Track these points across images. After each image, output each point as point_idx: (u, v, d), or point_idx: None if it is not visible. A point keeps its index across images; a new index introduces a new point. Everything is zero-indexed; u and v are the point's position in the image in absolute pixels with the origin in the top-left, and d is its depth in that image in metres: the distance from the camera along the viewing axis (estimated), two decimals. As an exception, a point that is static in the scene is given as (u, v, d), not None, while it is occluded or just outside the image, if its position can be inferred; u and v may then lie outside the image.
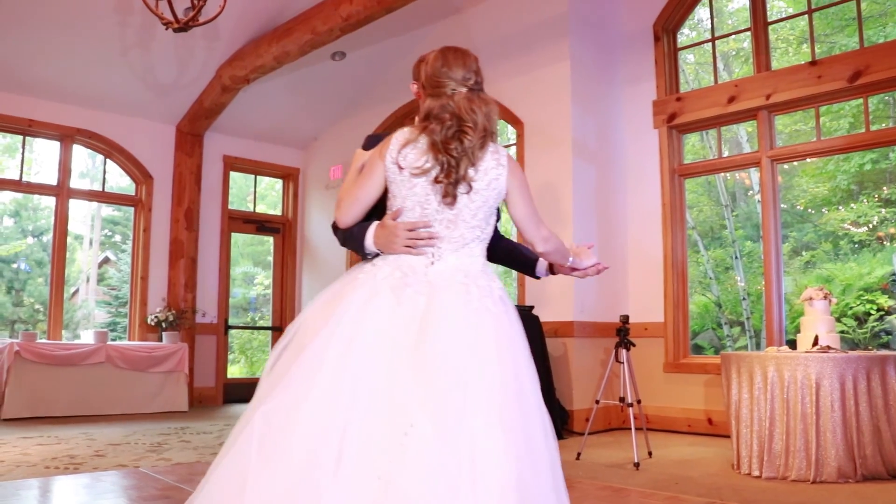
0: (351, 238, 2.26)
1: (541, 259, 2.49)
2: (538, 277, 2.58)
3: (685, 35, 7.55)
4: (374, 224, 2.18)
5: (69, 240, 8.30)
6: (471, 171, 2.07)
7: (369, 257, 2.20)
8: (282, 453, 1.80)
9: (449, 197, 2.07)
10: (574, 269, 2.45)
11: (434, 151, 2.07)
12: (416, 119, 2.22)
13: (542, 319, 6.30)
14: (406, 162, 2.10)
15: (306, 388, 1.87)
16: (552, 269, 2.51)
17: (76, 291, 13.79)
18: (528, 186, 2.22)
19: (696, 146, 9.04)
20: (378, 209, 2.22)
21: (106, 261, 14.45)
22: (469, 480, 1.75)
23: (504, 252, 2.56)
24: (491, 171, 2.10)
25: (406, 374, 1.85)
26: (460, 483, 1.74)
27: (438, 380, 1.85)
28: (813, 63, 5.99)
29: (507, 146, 7.95)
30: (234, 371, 11.45)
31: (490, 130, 2.13)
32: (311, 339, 1.97)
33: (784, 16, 8.58)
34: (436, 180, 2.07)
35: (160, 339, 8.05)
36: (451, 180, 2.06)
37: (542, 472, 1.91)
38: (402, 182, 2.12)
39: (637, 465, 4.75)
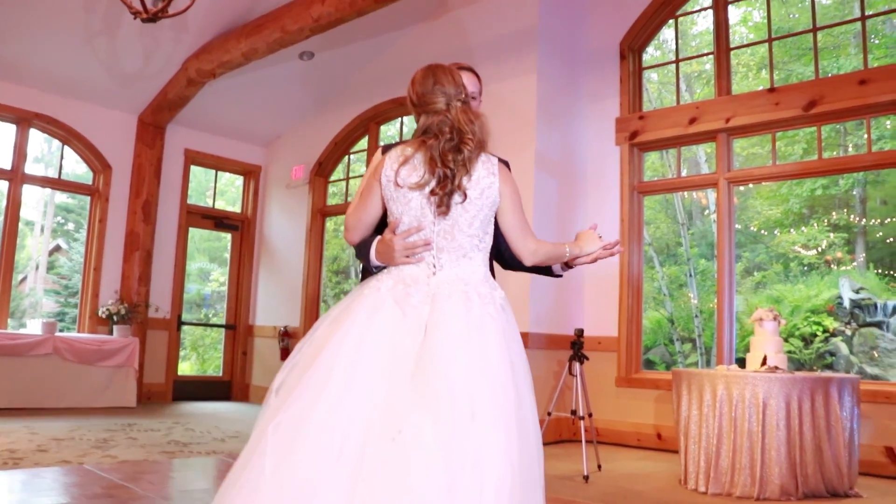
0: (359, 254, 2.34)
1: None
2: (559, 276, 2.56)
3: (650, 54, 7.69)
4: (377, 239, 2.25)
5: (19, 225, 8.08)
6: (464, 181, 2.13)
7: (375, 271, 2.26)
8: (289, 463, 1.84)
9: (443, 206, 2.12)
10: (581, 258, 2.40)
11: (431, 165, 2.13)
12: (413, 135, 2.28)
13: (498, 329, 6.32)
14: (402, 178, 2.16)
15: (313, 400, 1.92)
16: (567, 263, 2.47)
17: (24, 279, 13.46)
18: (519, 197, 2.26)
19: (655, 163, 9.20)
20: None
21: (57, 249, 14.11)
22: (463, 485, 1.78)
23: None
24: (483, 180, 2.16)
25: (405, 383, 1.90)
26: (449, 488, 1.77)
27: (439, 387, 1.89)
28: (771, 90, 6.15)
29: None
30: (185, 368, 11.28)
31: (484, 142, 2.20)
32: (319, 352, 2.01)
33: (745, 42, 8.79)
34: (432, 192, 2.13)
35: (111, 333, 7.89)
36: (445, 191, 2.12)
37: (536, 479, 1.95)
38: (398, 198, 2.18)
39: (586, 477, 4.81)
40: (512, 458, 1.85)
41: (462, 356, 1.94)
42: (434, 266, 2.15)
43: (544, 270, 2.53)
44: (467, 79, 2.54)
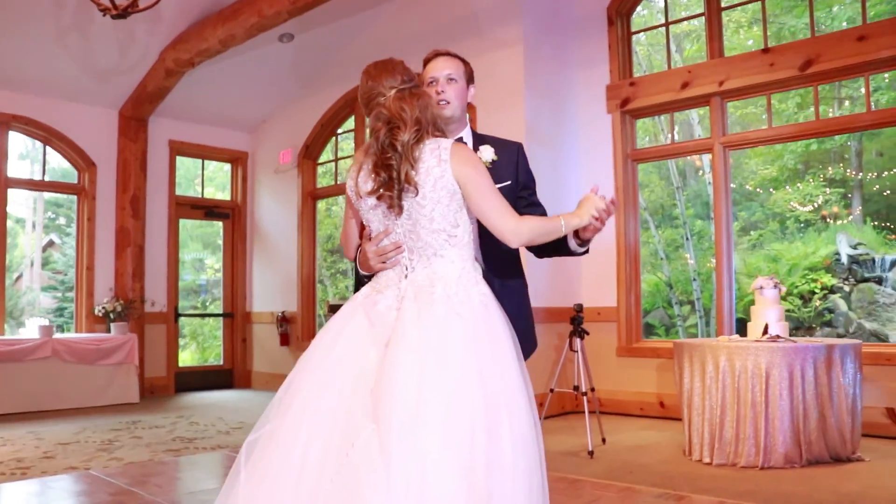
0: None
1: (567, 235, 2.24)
2: (582, 253, 2.33)
3: (638, 14, 7.54)
4: (359, 250, 2.25)
5: (10, 223, 7.97)
6: (412, 174, 2.03)
7: (366, 280, 2.24)
8: (257, 478, 1.91)
9: (395, 207, 2.06)
10: (585, 231, 2.21)
11: (375, 171, 2.08)
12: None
13: (496, 306, 6.29)
14: (360, 187, 2.14)
15: (280, 420, 1.97)
16: (580, 237, 2.26)
17: (20, 277, 13.40)
18: (486, 175, 2.09)
19: (647, 126, 9.09)
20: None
21: (50, 244, 14.04)
22: (405, 495, 1.75)
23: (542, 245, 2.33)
24: (433, 171, 2.04)
25: (366, 398, 1.90)
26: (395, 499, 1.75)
27: (389, 401, 1.85)
28: (765, 51, 6.04)
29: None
30: (186, 358, 11.27)
31: (426, 122, 2.09)
32: (293, 370, 2.08)
33: (737, 1, 8.61)
34: (378, 198, 2.08)
35: (108, 331, 7.86)
36: (392, 192, 2.05)
37: (507, 482, 1.84)
38: (363, 207, 2.16)
39: (591, 453, 4.81)
40: (467, 471, 1.79)
41: (413, 368, 1.87)
42: (406, 268, 2.11)
43: (564, 249, 2.33)
44: (441, 62, 2.42)
